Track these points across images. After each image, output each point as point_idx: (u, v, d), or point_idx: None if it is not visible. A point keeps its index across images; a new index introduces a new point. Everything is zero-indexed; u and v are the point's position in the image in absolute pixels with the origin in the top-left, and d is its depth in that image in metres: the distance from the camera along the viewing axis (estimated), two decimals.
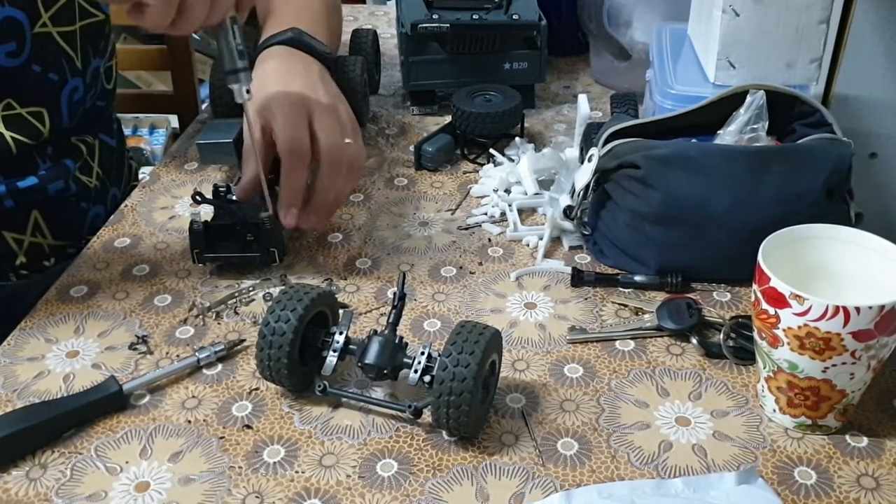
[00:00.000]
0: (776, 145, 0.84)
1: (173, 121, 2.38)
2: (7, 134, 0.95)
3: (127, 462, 0.68)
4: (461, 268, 0.89)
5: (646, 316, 0.81)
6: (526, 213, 0.97)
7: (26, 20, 0.93)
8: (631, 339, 0.79)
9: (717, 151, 0.81)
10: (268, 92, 0.87)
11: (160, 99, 1.45)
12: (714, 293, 0.85)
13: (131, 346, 0.79)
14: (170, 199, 1.01)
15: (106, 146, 1.10)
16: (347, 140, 0.86)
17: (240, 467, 0.67)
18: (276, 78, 0.89)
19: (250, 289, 0.86)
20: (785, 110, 0.86)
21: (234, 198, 0.89)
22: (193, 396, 0.74)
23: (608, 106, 1.08)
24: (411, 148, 1.07)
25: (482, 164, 1.06)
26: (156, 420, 0.72)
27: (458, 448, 0.69)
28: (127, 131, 2.40)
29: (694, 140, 0.85)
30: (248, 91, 0.77)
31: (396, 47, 1.24)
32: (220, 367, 0.77)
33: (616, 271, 0.87)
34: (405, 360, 0.70)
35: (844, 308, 0.62)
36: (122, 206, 1.00)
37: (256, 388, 0.75)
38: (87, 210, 1.06)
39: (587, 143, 0.93)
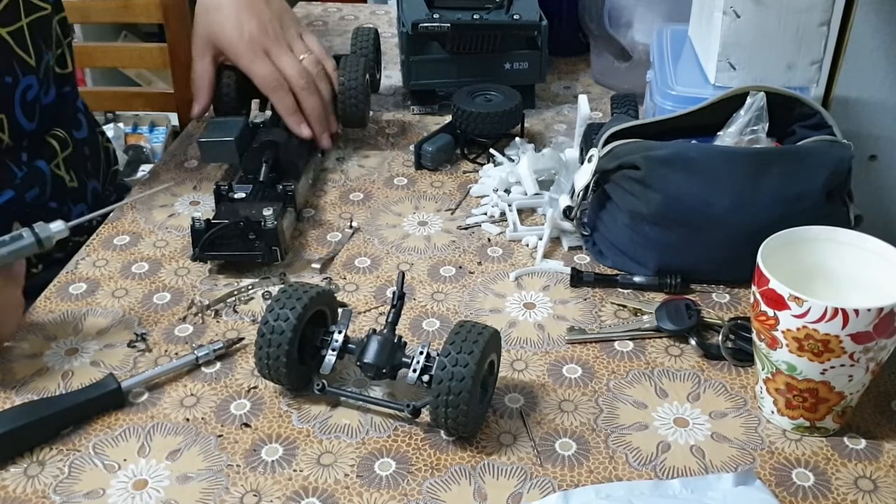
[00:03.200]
0: (776, 147, 0.84)
1: (173, 119, 2.38)
2: None
3: (125, 460, 0.68)
4: (460, 267, 0.89)
5: (645, 317, 0.81)
6: (525, 213, 0.97)
7: None
8: (630, 339, 0.79)
9: (717, 153, 0.81)
10: (222, 33, 1.00)
11: (160, 97, 1.44)
12: (713, 294, 0.85)
13: (130, 344, 0.79)
14: (169, 196, 1.01)
15: (76, 139, 1.06)
16: (301, 56, 1.01)
17: (238, 466, 0.67)
18: (225, 9, 1.01)
19: (249, 287, 0.86)
20: (785, 112, 0.85)
21: (235, 196, 0.89)
22: (192, 394, 0.74)
23: (608, 106, 1.08)
24: (411, 147, 1.07)
25: (482, 164, 1.06)
26: (154, 418, 0.72)
27: (457, 448, 0.69)
28: (127, 129, 2.40)
29: (694, 141, 0.85)
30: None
31: (397, 47, 1.24)
32: (218, 365, 0.77)
33: (615, 272, 0.87)
34: (404, 359, 0.70)
35: (843, 310, 0.62)
36: (121, 203, 0.99)
37: (255, 387, 0.75)
38: (69, 214, 1.03)
39: (587, 143, 0.93)
